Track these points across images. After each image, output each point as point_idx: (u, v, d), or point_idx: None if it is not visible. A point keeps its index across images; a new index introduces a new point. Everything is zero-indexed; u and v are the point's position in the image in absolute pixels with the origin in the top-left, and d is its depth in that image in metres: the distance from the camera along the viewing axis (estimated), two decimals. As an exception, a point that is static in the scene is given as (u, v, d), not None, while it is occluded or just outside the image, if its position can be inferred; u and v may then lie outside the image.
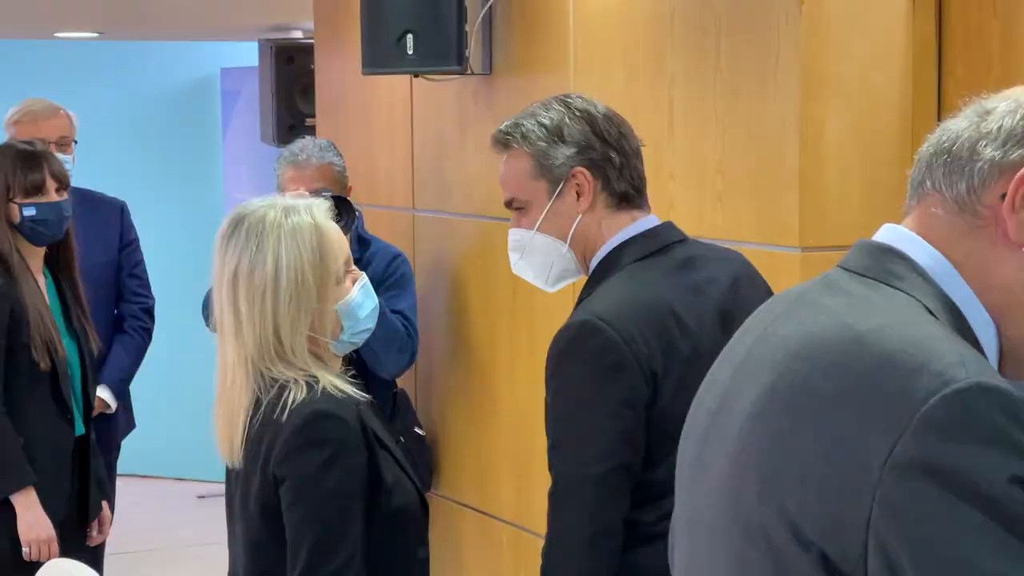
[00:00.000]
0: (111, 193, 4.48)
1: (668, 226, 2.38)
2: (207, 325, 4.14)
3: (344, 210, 3.37)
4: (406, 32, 3.71)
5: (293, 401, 2.21)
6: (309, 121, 5.82)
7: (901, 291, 1.28)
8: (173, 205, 7.90)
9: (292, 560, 2.21)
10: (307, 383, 2.23)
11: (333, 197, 3.53)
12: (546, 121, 2.30)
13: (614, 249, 2.32)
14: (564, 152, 2.29)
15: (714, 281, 2.33)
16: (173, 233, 7.63)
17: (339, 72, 4.61)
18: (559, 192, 2.29)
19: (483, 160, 4.00)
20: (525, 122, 2.33)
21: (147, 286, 4.39)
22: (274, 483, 2.23)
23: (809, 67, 2.86)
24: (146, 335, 4.35)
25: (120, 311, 4.28)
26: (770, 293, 2.34)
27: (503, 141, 2.35)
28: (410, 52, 3.72)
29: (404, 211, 4.29)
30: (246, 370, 2.25)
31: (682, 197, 3.24)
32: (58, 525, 3.48)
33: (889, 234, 1.33)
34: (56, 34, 7.31)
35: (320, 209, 2.31)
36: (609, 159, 2.29)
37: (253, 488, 2.26)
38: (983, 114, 1.31)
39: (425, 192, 4.21)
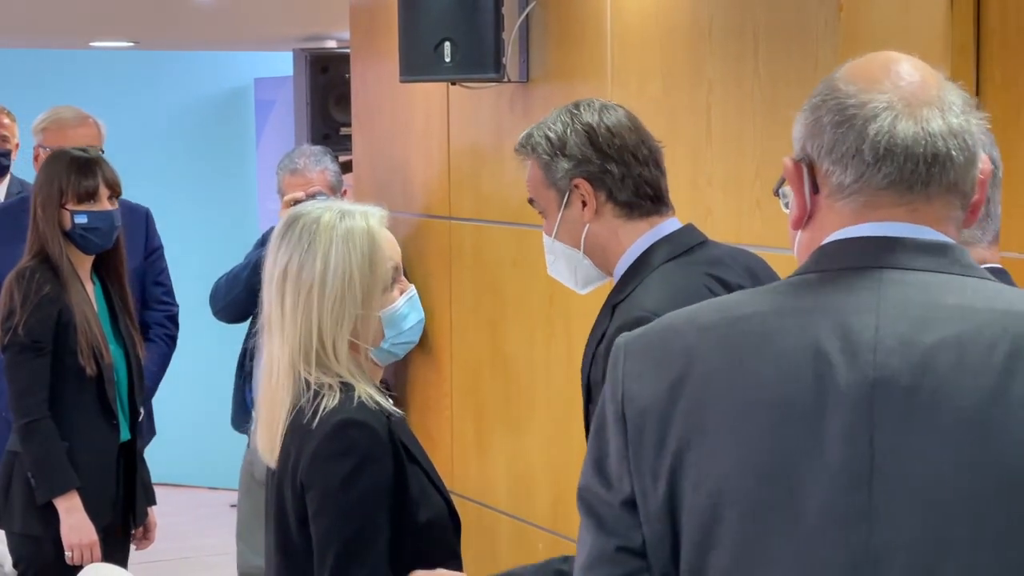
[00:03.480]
0: (145, 202, 4.49)
1: (690, 228, 2.43)
2: (214, 314, 4.28)
3: None
4: (443, 40, 3.73)
5: (324, 408, 2.21)
6: (344, 130, 5.84)
7: (988, 279, 1.38)
8: (207, 214, 7.94)
9: (319, 570, 2.21)
10: (341, 390, 2.23)
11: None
12: (551, 134, 2.37)
13: (642, 254, 2.37)
14: (563, 165, 2.35)
15: (741, 280, 2.39)
16: (206, 241, 7.67)
17: (375, 80, 4.63)
18: (566, 202, 2.36)
19: (519, 168, 4.00)
20: (535, 133, 2.41)
21: (171, 293, 4.40)
22: (301, 490, 2.23)
23: (849, 73, 2.86)
24: (171, 342, 4.35)
25: (144, 319, 4.26)
26: None
27: (519, 151, 2.45)
28: (447, 60, 3.73)
29: (440, 219, 4.30)
30: (289, 369, 2.26)
31: (720, 203, 3.24)
32: (102, 530, 3.50)
33: (924, 232, 1.38)
34: (92, 43, 7.37)
35: (375, 215, 2.32)
36: (607, 171, 2.34)
37: (287, 495, 2.26)
38: (963, 109, 1.40)
39: (461, 200, 4.22)
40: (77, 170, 3.51)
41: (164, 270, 4.40)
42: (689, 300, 2.25)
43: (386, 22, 4.45)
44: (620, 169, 2.35)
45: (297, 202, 4.00)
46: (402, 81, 3.91)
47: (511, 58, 3.82)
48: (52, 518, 3.42)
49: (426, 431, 4.21)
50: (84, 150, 3.61)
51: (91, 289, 3.58)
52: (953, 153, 1.38)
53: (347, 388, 2.24)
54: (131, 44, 7.38)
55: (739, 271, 2.40)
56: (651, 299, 2.27)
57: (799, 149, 1.43)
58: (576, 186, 2.35)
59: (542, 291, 3.88)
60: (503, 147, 4.06)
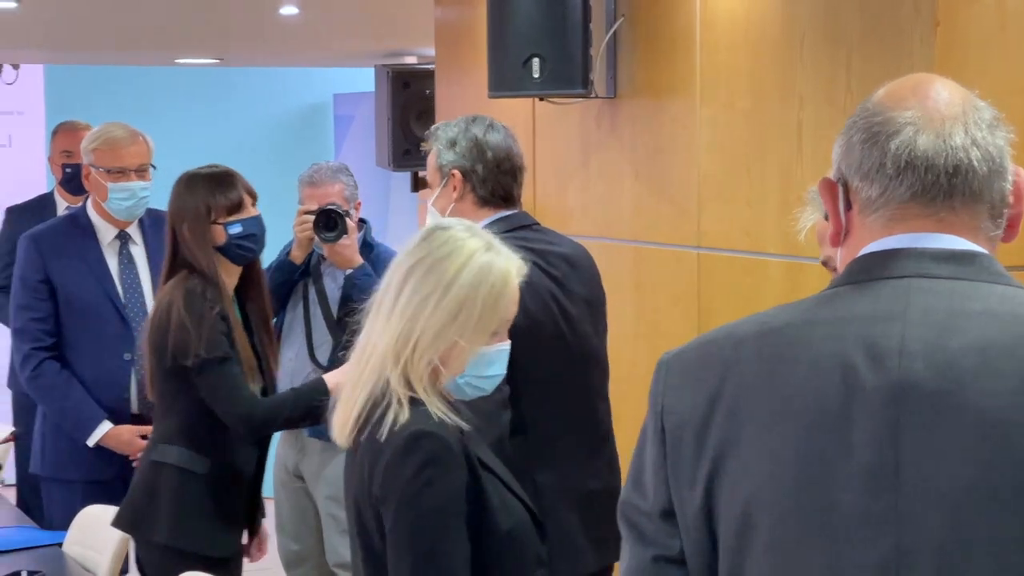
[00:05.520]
0: None
1: (520, 215, 3.13)
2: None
3: (339, 220, 4.11)
4: (532, 56, 3.75)
5: (395, 422, 2.23)
6: (424, 146, 5.87)
7: (1018, 287, 1.40)
8: (285, 227, 8.02)
9: None
10: (412, 404, 2.25)
11: (326, 210, 4.13)
12: (449, 133, 3.12)
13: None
14: (448, 157, 3.09)
15: (551, 246, 3.10)
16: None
17: (460, 96, 4.66)
18: (444, 183, 3.10)
19: (605, 183, 4.02)
20: (440, 129, 3.16)
21: None
22: (377, 504, 2.25)
23: (945, 88, 2.83)
24: None
25: None
26: (588, 276, 3.14)
27: (425, 137, 3.22)
28: (536, 75, 3.76)
29: (525, 233, 4.31)
30: (382, 357, 2.28)
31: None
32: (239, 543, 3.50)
33: (952, 242, 1.42)
34: (177, 60, 7.48)
35: (517, 265, 2.36)
36: (475, 171, 3.07)
37: (365, 513, 2.28)
38: (990, 123, 1.43)
39: (546, 215, 4.23)
40: (219, 185, 3.46)
41: None
42: None
43: (471, 38, 4.48)
44: (485, 172, 3.07)
45: (309, 213, 4.19)
46: (491, 96, 3.93)
47: (598, 74, 3.84)
48: (198, 533, 3.37)
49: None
50: (212, 166, 3.55)
51: None
52: (975, 164, 1.42)
53: (417, 403, 2.26)
54: (216, 61, 7.48)
55: (557, 246, 3.10)
56: None
57: (835, 169, 1.49)
58: (452, 174, 3.07)
59: (629, 306, 3.88)
60: (589, 163, 4.07)
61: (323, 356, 4.21)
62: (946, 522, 1.31)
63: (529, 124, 4.26)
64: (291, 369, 4.23)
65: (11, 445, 4.64)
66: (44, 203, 5.29)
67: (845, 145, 1.47)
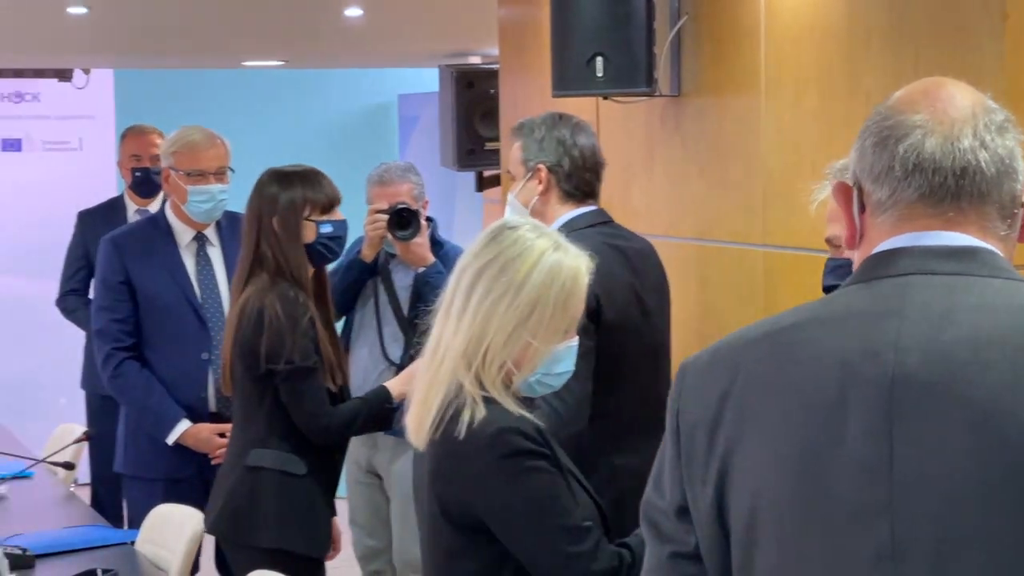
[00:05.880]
0: None
1: (599, 211, 3.30)
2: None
3: (412, 219, 4.18)
4: (596, 55, 3.75)
5: (472, 421, 2.24)
6: (489, 145, 5.89)
7: (1019, 280, 1.43)
8: (352, 227, 8.07)
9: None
10: (485, 402, 2.26)
11: (400, 209, 4.18)
12: (537, 130, 3.27)
13: (561, 226, 3.15)
14: (536, 152, 3.25)
15: (632, 243, 3.32)
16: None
17: (523, 95, 4.67)
18: (529, 176, 3.25)
19: (670, 182, 4.01)
20: (527, 124, 3.30)
21: None
22: (469, 505, 2.26)
23: (1014, 83, 2.81)
24: None
25: None
26: (659, 272, 3.33)
27: (513, 131, 3.35)
28: (599, 74, 3.76)
29: (590, 232, 4.31)
30: (453, 360, 2.29)
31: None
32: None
33: (955, 239, 1.45)
34: (243, 63, 7.56)
35: (586, 262, 2.37)
36: (562, 166, 3.24)
37: (446, 505, 2.29)
38: (1000, 126, 1.45)
39: (610, 213, 4.22)
40: (315, 183, 3.44)
41: None
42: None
43: (535, 38, 4.49)
44: (571, 168, 3.23)
45: (380, 212, 4.21)
46: (555, 96, 3.94)
47: (663, 72, 3.83)
48: (303, 533, 3.38)
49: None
50: (298, 166, 3.53)
51: None
52: (983, 166, 1.44)
53: (491, 401, 2.27)
54: (282, 63, 7.55)
55: (633, 242, 3.30)
56: None
57: (851, 173, 1.52)
58: (538, 169, 3.23)
59: (694, 305, 3.87)
60: (654, 161, 4.06)
61: (395, 354, 4.24)
62: (939, 513, 1.34)
63: (593, 123, 4.25)
64: (364, 367, 4.27)
65: (84, 445, 4.70)
66: (115, 207, 5.35)
67: (859, 149, 1.51)
